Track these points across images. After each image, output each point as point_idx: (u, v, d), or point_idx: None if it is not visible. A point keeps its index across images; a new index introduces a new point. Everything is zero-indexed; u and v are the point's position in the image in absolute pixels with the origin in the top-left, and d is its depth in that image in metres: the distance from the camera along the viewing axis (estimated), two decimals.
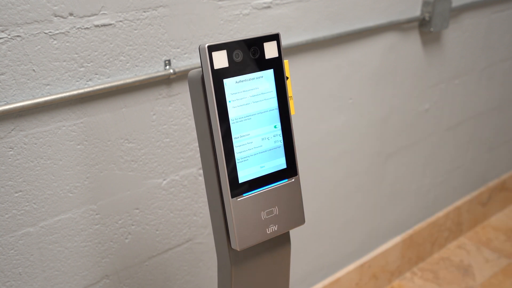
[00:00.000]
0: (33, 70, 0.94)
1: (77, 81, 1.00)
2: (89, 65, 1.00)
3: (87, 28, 0.98)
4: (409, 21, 1.57)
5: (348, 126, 1.55)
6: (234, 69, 0.76)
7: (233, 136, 0.76)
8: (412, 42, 1.62)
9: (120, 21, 1.02)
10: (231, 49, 0.75)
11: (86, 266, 1.13)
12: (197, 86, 0.77)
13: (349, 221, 1.70)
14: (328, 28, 1.38)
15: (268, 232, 0.81)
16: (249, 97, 0.78)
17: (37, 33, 0.93)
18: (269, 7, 1.24)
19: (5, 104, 0.92)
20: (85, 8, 0.97)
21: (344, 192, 1.63)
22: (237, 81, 0.76)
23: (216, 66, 0.74)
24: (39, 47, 0.94)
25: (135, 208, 1.17)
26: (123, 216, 1.15)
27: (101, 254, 1.14)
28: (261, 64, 0.78)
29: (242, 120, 0.77)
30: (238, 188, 0.78)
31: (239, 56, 0.76)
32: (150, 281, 1.24)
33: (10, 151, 0.96)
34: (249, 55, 0.77)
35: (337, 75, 1.46)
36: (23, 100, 0.93)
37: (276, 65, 0.80)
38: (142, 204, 1.17)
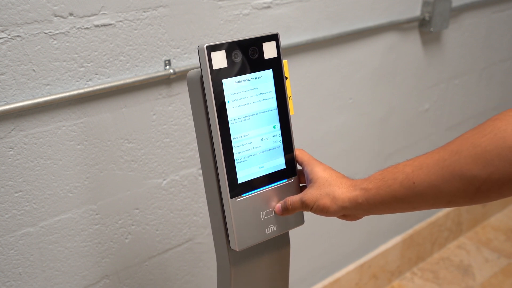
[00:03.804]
0: (33, 70, 0.94)
1: (77, 81, 1.00)
2: (89, 65, 1.01)
3: (87, 28, 0.98)
4: (409, 21, 1.57)
5: (348, 126, 1.55)
6: (233, 69, 0.76)
7: (232, 137, 0.76)
8: (412, 42, 1.62)
9: (120, 21, 1.02)
10: (230, 49, 0.75)
11: (86, 266, 1.13)
12: (196, 86, 0.77)
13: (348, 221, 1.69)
14: (328, 28, 1.38)
15: (267, 233, 0.81)
16: (248, 98, 0.78)
17: (37, 33, 0.93)
18: (269, 7, 1.24)
19: (5, 104, 0.92)
20: (85, 8, 0.97)
21: None
22: (236, 81, 0.76)
23: (215, 66, 0.74)
24: (39, 47, 0.94)
25: (135, 208, 1.17)
26: (123, 216, 1.15)
27: (101, 254, 1.14)
28: (260, 64, 0.78)
29: (241, 121, 0.77)
30: (237, 189, 0.78)
31: (238, 56, 0.76)
32: (150, 281, 1.25)
33: (10, 151, 0.96)
34: (248, 55, 0.77)
35: (337, 75, 1.46)
36: (23, 100, 0.94)
37: (275, 65, 0.80)
38: (142, 204, 1.17)
